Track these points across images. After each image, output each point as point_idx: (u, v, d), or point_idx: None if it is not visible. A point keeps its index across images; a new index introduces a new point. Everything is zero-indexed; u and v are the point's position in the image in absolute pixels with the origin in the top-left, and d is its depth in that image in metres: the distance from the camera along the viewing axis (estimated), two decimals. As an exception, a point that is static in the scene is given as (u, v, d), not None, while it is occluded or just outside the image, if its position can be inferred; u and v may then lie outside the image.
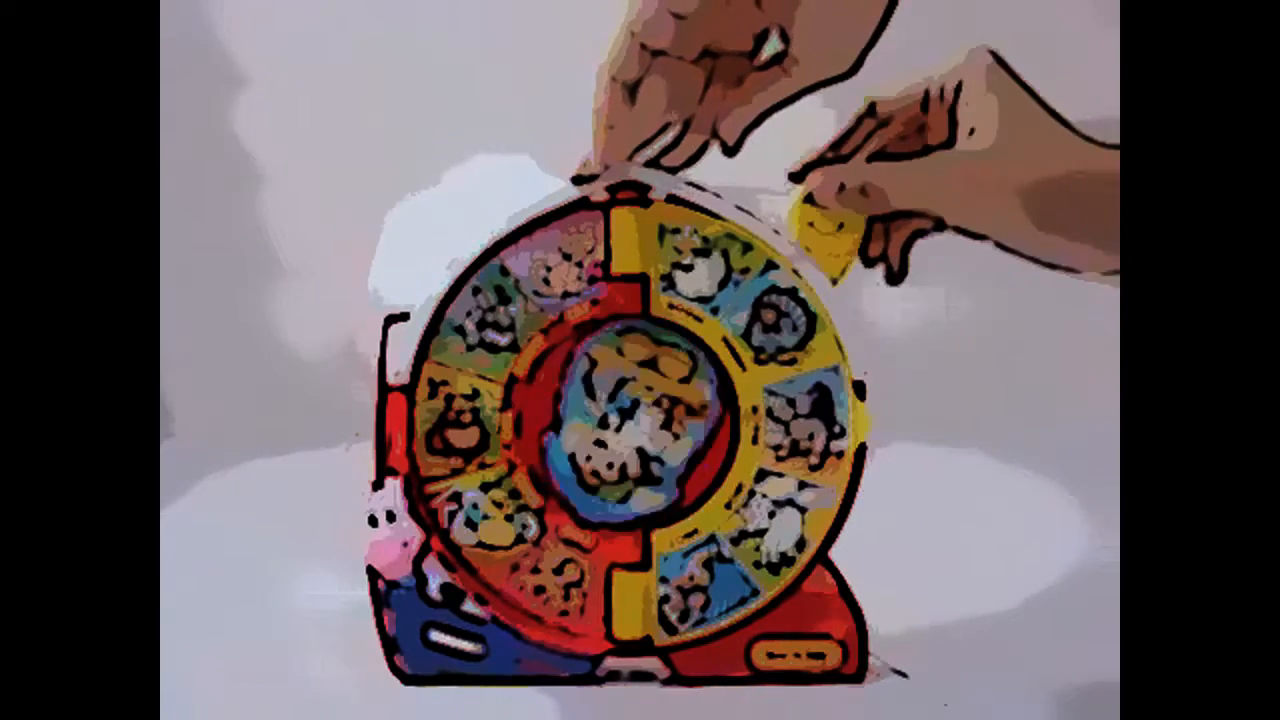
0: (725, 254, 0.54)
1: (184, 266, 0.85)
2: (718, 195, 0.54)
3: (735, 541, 0.55)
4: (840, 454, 0.55)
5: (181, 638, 0.55)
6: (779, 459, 0.55)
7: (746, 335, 0.55)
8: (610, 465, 0.55)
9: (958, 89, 0.52)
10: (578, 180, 0.54)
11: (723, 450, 0.55)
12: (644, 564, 0.55)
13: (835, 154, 0.55)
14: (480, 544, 0.56)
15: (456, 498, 0.55)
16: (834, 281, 0.54)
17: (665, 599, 0.55)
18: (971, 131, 0.51)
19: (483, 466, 0.55)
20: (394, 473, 0.55)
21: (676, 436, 0.55)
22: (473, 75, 0.93)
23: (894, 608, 0.55)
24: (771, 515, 0.55)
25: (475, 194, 0.91)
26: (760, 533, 0.55)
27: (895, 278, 0.55)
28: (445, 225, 0.84)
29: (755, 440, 0.55)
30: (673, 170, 0.54)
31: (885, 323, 0.93)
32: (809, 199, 0.54)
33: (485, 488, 0.55)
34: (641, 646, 0.55)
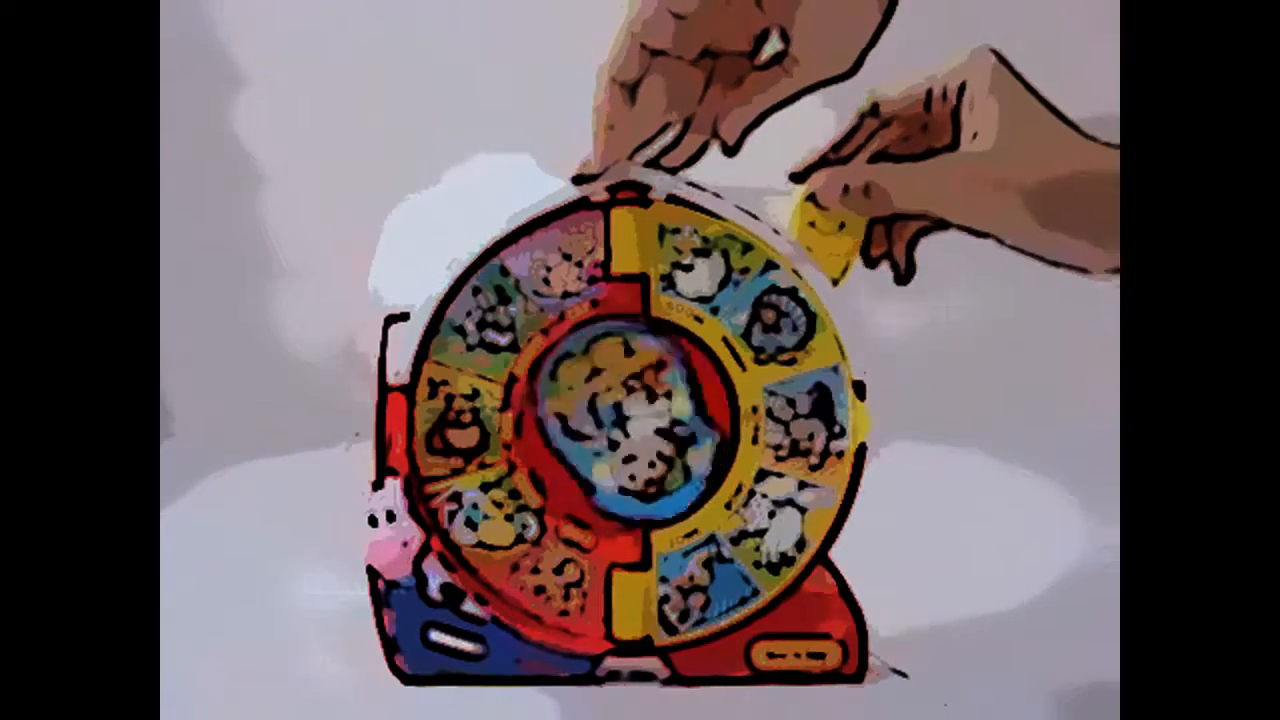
0: (725, 254, 0.54)
1: (184, 266, 0.85)
2: (718, 195, 0.54)
3: (735, 541, 0.55)
4: (840, 454, 0.55)
5: (181, 637, 0.55)
6: (779, 459, 0.55)
7: (746, 335, 0.55)
8: (652, 464, 0.55)
9: (961, 89, 0.52)
10: (578, 180, 0.54)
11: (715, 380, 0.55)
12: (644, 564, 0.55)
13: (837, 154, 0.55)
14: (480, 544, 0.55)
15: (456, 498, 0.55)
16: (835, 282, 0.54)
17: (665, 599, 0.55)
18: (975, 135, 0.52)
19: (483, 466, 0.55)
20: (394, 473, 0.55)
21: (668, 395, 0.55)
22: (473, 75, 0.93)
23: (894, 608, 0.55)
24: (771, 515, 0.55)
25: (475, 194, 0.90)
26: (760, 533, 0.55)
27: (903, 278, 0.55)
28: (445, 225, 0.84)
29: (755, 440, 0.55)
30: (673, 170, 0.54)
31: (885, 323, 0.93)
32: (810, 199, 0.54)
33: (485, 488, 0.55)
34: (641, 646, 0.55)
